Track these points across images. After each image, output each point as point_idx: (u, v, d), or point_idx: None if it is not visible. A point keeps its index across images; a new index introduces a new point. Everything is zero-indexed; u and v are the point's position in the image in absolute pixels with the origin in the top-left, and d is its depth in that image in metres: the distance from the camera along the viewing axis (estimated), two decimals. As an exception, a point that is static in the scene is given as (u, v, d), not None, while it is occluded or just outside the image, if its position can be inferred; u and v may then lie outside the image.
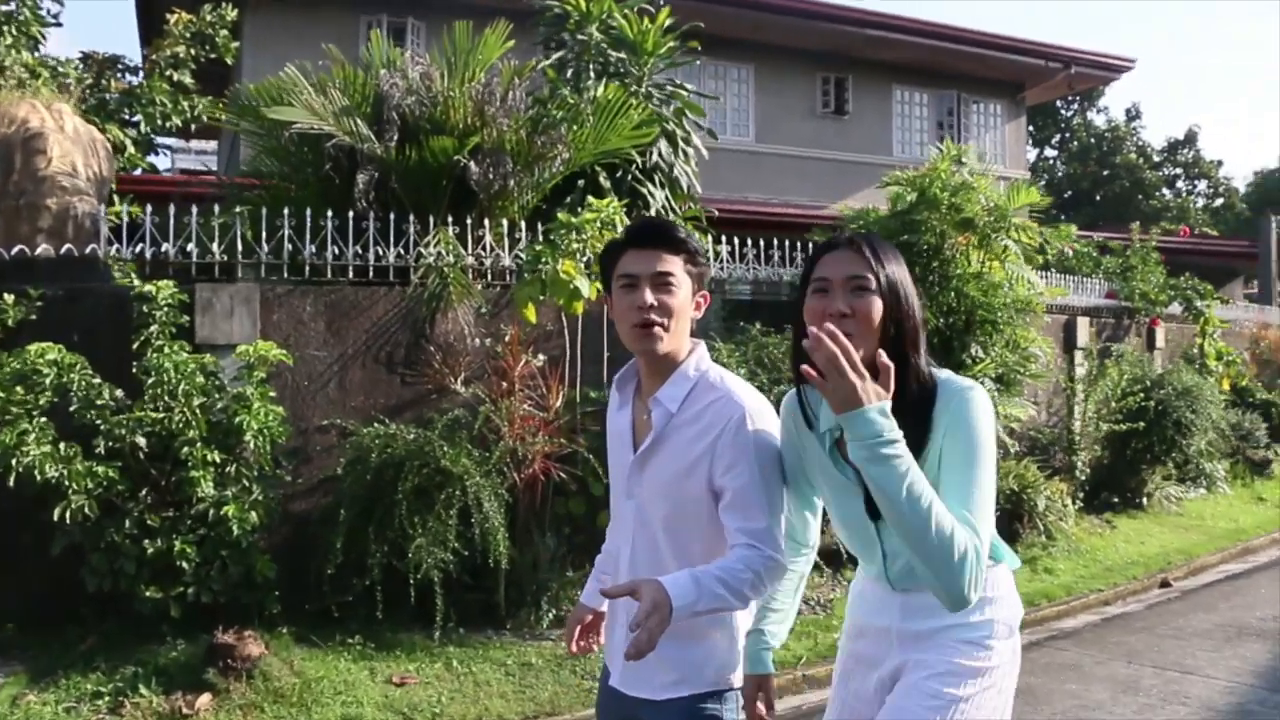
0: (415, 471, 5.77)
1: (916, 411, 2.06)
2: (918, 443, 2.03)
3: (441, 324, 6.77)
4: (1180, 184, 36.81)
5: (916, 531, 1.90)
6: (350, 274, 6.74)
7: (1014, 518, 9.32)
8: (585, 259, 6.58)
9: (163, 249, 6.44)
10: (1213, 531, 10.00)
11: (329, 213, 6.63)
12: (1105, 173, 34.23)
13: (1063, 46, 19.34)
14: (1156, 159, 35.32)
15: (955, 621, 2.14)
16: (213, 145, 20.70)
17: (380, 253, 6.78)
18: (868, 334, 2.05)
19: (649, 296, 2.26)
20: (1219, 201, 37.25)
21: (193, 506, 5.40)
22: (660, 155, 8.20)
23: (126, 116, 10.24)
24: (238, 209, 6.68)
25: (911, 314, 2.11)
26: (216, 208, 6.85)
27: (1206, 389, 10.92)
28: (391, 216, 6.82)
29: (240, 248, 6.50)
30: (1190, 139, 36.51)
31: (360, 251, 6.74)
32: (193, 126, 10.79)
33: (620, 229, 6.76)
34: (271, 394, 5.69)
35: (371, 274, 6.78)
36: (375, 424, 6.19)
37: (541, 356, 6.69)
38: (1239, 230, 30.99)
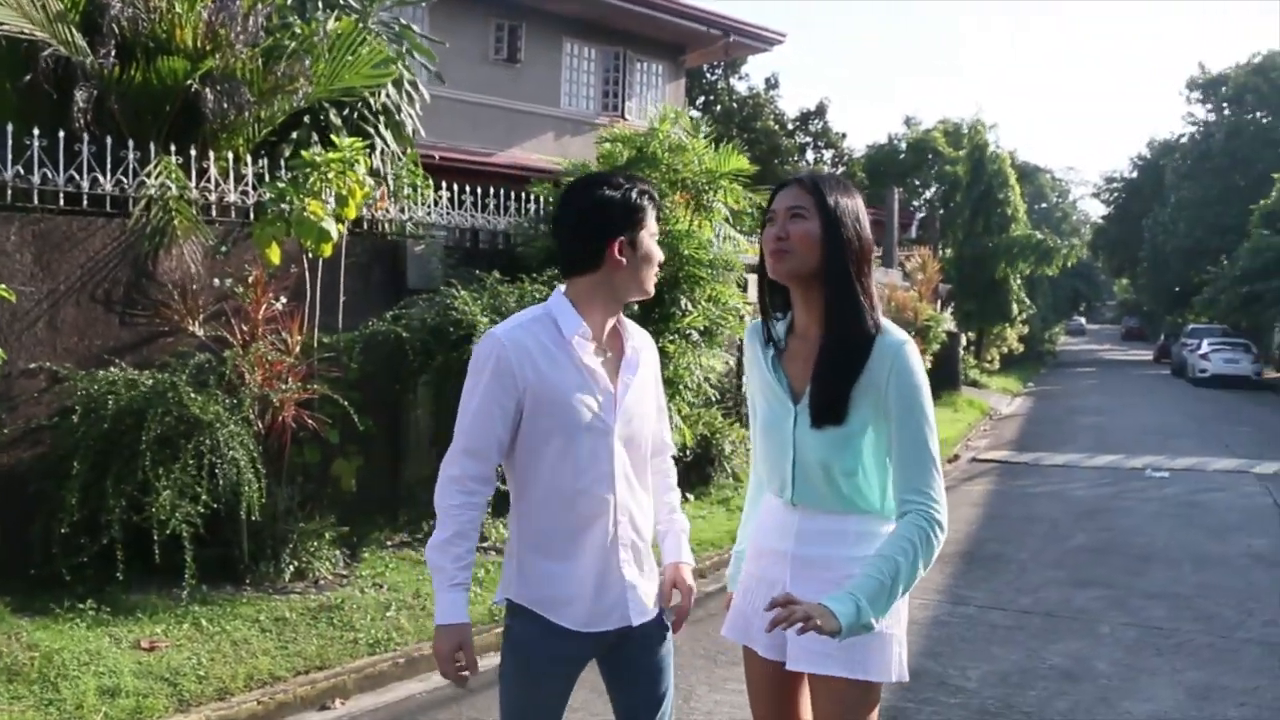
0: (159, 419, 5.35)
1: (853, 346, 2.29)
2: (849, 379, 2.28)
3: (166, 261, 6.27)
4: (810, 153, 39.90)
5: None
6: (61, 202, 6.05)
7: (706, 461, 9.98)
8: (329, 199, 6.30)
9: None
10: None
11: (35, 132, 5.91)
12: (746, 136, 36.40)
13: (723, 16, 20.07)
14: (791, 127, 37.99)
15: (847, 553, 2.31)
16: None
17: (98, 180, 6.13)
18: (804, 252, 2.30)
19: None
20: (841, 169, 40.75)
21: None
22: (388, 97, 7.93)
23: None
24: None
25: (852, 238, 2.32)
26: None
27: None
28: (109, 141, 6.18)
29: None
30: (820, 111, 39.49)
31: (75, 177, 6.06)
32: None
33: (360, 168, 6.52)
34: (-12, 334, 5.07)
35: (86, 203, 6.12)
36: (112, 368, 5.67)
37: (282, 299, 6.37)
38: (857, 198, 33.76)
